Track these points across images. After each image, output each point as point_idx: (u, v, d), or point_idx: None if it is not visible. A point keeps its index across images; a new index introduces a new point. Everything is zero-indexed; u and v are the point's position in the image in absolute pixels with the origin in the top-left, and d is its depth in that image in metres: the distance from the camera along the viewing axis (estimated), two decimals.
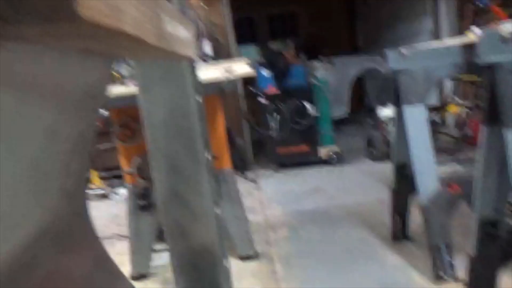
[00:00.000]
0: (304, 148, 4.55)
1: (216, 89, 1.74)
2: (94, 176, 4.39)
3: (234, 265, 2.40)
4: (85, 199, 0.53)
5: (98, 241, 0.53)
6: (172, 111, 0.74)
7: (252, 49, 9.67)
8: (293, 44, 5.49)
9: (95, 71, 0.51)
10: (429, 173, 2.11)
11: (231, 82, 1.73)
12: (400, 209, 2.48)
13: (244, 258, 2.43)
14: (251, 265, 2.42)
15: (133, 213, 2.25)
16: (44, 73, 0.43)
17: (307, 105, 4.43)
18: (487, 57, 1.46)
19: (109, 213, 3.71)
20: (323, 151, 4.55)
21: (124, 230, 2.94)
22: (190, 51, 0.54)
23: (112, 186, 4.29)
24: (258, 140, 5.06)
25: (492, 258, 1.68)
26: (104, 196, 4.23)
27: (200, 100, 0.77)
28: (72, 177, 0.46)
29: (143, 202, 2.14)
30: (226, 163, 2.34)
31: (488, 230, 1.65)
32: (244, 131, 5.24)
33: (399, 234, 2.50)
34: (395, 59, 2.14)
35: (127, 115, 2.00)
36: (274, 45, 9.69)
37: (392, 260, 2.30)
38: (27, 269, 0.43)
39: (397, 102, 2.23)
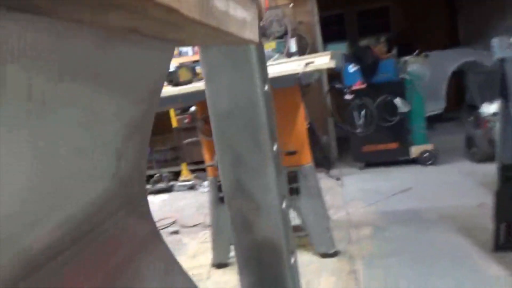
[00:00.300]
0: (393, 146, 4.27)
1: (294, 81, 1.70)
2: (184, 168, 4.67)
3: (313, 262, 2.36)
4: (143, 184, 0.54)
5: (153, 224, 0.54)
6: (238, 101, 0.72)
7: (341, 47, 9.37)
8: (384, 39, 5.19)
9: (154, 66, 0.52)
10: None
11: (312, 75, 1.67)
12: (505, 216, 2.19)
13: (324, 255, 2.36)
14: (331, 262, 2.34)
15: (214, 204, 2.32)
16: (109, 65, 0.43)
17: (397, 101, 4.15)
18: None
19: (195, 203, 3.91)
20: (415, 150, 4.23)
21: (209, 220, 3.07)
22: (249, 33, 0.52)
23: (200, 178, 4.51)
24: (344, 137, 4.90)
25: None
26: (192, 188, 4.47)
27: (268, 90, 0.74)
28: (125, 162, 0.47)
29: (223, 194, 2.19)
30: (306, 159, 2.29)
31: None
32: (329, 127, 5.12)
33: (504, 243, 2.21)
34: (502, 47, 1.88)
35: None
36: (365, 42, 9.28)
37: (494, 271, 2.03)
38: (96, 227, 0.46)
39: (504, 96, 1.96)
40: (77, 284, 0.43)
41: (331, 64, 1.68)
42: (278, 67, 1.94)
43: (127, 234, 0.48)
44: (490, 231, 2.22)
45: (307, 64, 1.66)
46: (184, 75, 1.95)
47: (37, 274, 0.38)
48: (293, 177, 2.24)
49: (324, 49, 5.43)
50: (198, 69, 2.34)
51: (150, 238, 0.51)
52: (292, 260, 0.79)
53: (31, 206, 0.38)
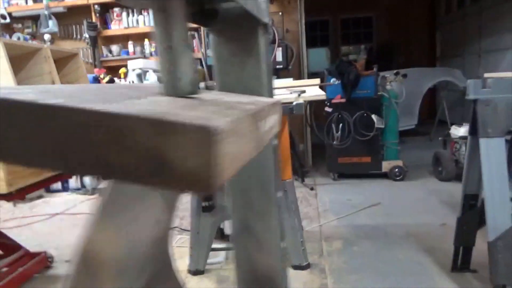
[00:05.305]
0: (366, 159, 4.47)
1: (286, 111, 1.80)
2: None
3: None
4: (168, 242, 0.62)
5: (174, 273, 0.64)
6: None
7: (323, 52, 9.57)
8: (365, 52, 5.38)
9: None
10: (501, 209, 2.00)
11: (302, 105, 1.78)
12: (464, 240, 2.38)
13: (297, 267, 2.48)
14: (303, 275, 2.46)
15: (196, 212, 2.39)
16: None
17: (374, 117, 4.34)
18: None
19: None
20: (386, 165, 4.44)
21: (185, 224, 3.13)
22: (274, 131, 0.60)
23: None
24: (320, 146, 5.06)
25: None
26: None
27: (276, 144, 0.83)
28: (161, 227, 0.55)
29: (206, 203, 2.27)
30: (288, 174, 2.40)
31: None
32: (306, 136, 5.27)
33: (461, 265, 2.40)
34: (477, 88, 2.05)
35: None
36: (346, 50, 9.47)
37: None
38: None
39: (473, 131, 2.13)
40: None
41: (323, 96, 1.78)
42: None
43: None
44: (449, 252, 2.41)
45: (299, 94, 1.76)
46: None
47: None
48: None
49: (307, 54, 5.54)
50: None
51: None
52: None
53: None
